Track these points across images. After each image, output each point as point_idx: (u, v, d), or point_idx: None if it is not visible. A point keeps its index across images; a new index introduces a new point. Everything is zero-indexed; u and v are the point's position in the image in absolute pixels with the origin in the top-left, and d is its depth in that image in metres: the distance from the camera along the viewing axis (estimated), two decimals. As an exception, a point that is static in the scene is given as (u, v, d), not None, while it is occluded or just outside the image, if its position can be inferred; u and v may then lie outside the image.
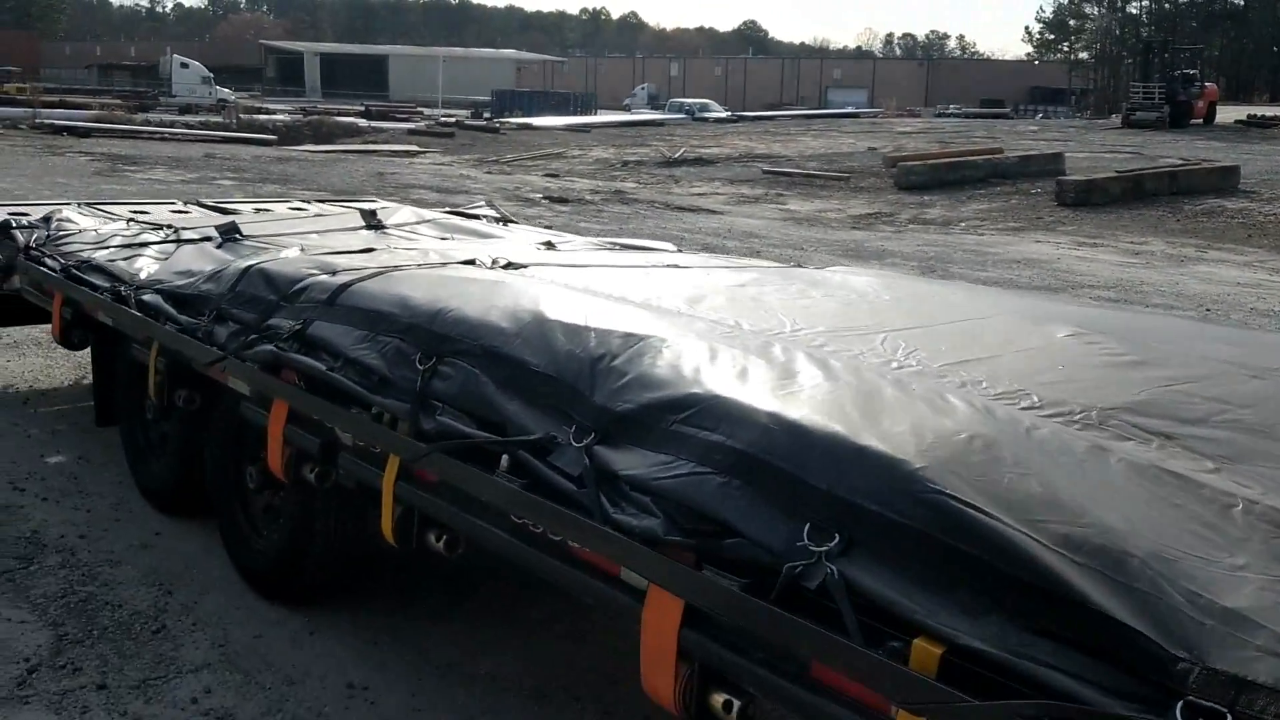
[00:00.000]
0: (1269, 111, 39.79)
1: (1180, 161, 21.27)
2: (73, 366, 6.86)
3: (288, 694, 3.42)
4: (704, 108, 54.25)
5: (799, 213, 17.74)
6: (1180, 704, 1.58)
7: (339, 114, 38.86)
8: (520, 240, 5.34)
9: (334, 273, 3.69)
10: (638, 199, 18.97)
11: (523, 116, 46.24)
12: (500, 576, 4.02)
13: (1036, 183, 20.11)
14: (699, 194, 20.24)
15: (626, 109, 62.14)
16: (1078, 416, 2.41)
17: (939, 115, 53.45)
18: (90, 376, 5.54)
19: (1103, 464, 2.19)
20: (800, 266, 5.00)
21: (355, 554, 3.81)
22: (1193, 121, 35.41)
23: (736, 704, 2.16)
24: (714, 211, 17.67)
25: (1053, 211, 17.52)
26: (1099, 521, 1.93)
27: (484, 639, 3.78)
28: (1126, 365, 2.84)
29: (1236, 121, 35.33)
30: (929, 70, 79.87)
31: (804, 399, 2.39)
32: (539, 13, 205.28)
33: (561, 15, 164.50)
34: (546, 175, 23.12)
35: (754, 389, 2.45)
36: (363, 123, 36.55)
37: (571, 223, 14.35)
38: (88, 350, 5.36)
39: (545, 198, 18.35)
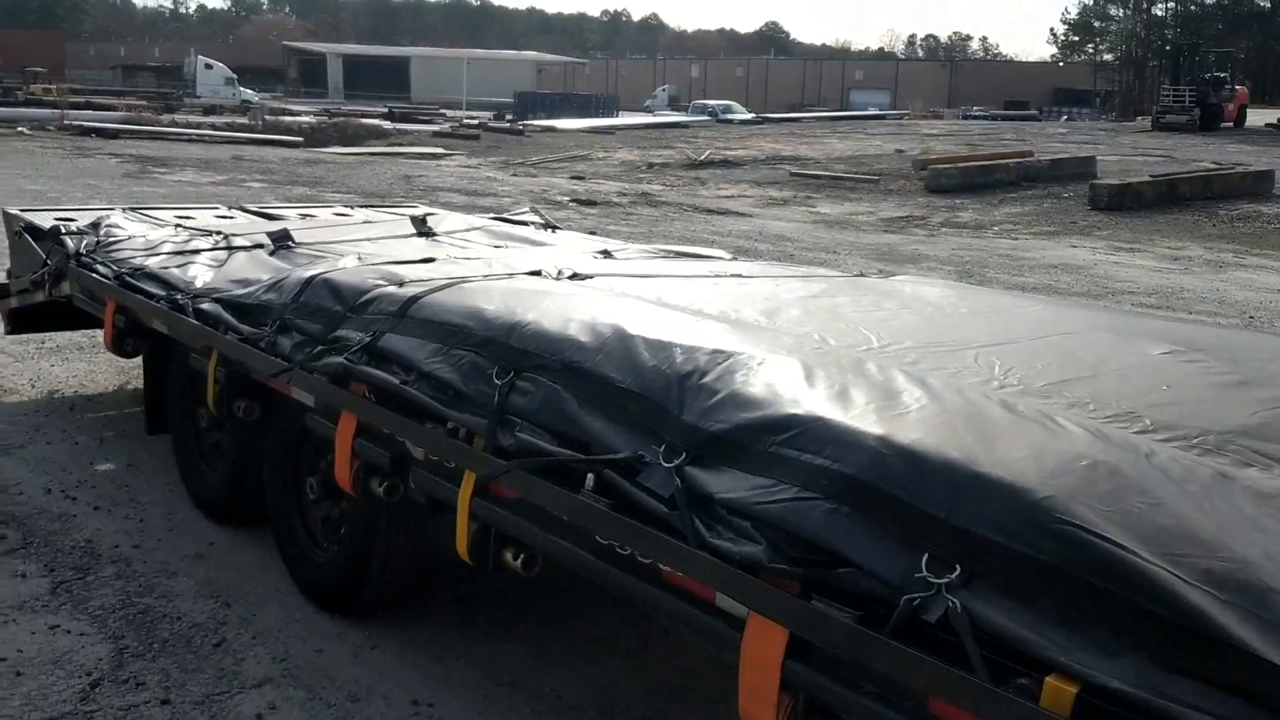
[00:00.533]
0: (1299, 114, 39.42)
1: (1214, 165, 21.06)
2: (116, 372, 6.83)
3: (352, 710, 3.36)
4: (727, 109, 54.15)
5: (829, 216, 17.63)
6: None
7: (363, 116, 38.93)
8: (574, 247, 5.28)
9: (401, 284, 3.64)
10: (665, 201, 18.90)
11: (545, 119, 46.23)
12: (561, 591, 3.95)
13: (1068, 186, 19.95)
14: (726, 196, 20.16)
15: (648, 110, 62.10)
16: (1194, 441, 2.32)
17: (964, 117, 53.23)
18: (136, 383, 5.51)
19: (1230, 492, 2.10)
20: (863, 275, 4.92)
21: (417, 568, 3.76)
22: (1223, 125, 35.17)
23: None
24: (743, 214, 17.58)
25: (1086, 216, 17.36)
26: (1237, 555, 1.85)
27: (547, 654, 3.72)
28: (1232, 385, 2.76)
29: (1267, 125, 35.05)
30: (952, 71, 79.54)
31: (912, 421, 2.31)
32: (559, 14, 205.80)
33: (582, 17, 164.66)
34: (572, 178, 23.08)
35: (857, 410, 2.38)
36: (387, 125, 36.61)
37: (601, 225, 14.29)
38: (135, 357, 5.33)
39: (572, 200, 18.30)
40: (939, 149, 26.87)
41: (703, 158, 26.79)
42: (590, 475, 2.64)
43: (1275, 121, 35.85)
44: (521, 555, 2.92)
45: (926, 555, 1.98)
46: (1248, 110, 37.63)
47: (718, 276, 4.25)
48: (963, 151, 25.74)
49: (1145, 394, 2.61)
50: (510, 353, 3.00)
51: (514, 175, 23.47)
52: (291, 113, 40.12)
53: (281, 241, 4.73)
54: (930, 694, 1.96)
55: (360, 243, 5.00)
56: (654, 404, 2.62)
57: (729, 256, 5.44)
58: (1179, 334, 3.34)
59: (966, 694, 1.86)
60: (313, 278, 3.89)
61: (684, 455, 2.46)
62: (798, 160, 26.04)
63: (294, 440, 3.96)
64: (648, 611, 2.59)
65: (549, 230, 6.16)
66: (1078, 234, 15.82)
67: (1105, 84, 69.77)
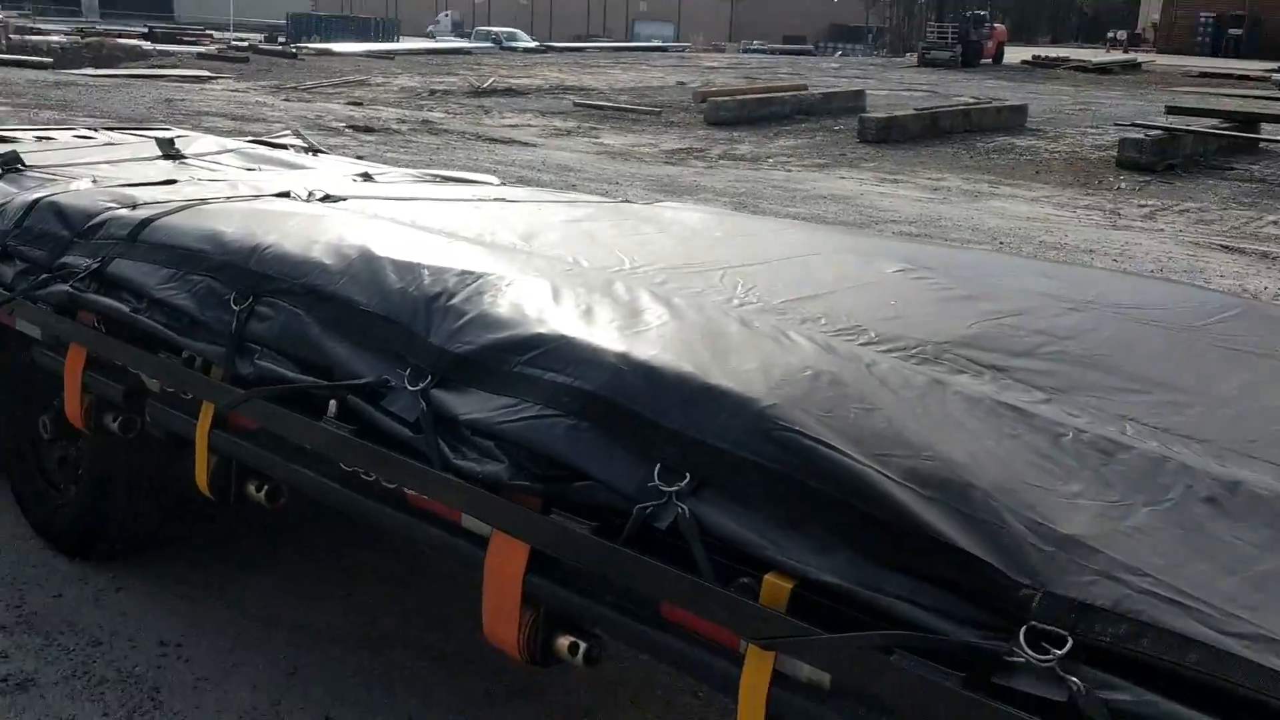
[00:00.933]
0: (1051, 53, 41.94)
1: (973, 100, 22.18)
2: None
3: (94, 655, 3.21)
4: (511, 37, 53.27)
5: (613, 147, 17.67)
6: (1024, 629, 1.62)
7: (121, 36, 36.33)
8: (334, 171, 5.09)
9: (135, 206, 3.42)
10: (448, 129, 18.50)
11: (321, 42, 44.30)
12: (320, 523, 3.87)
13: (839, 119, 20.63)
14: (511, 126, 19.90)
15: (430, 36, 60.35)
16: (914, 351, 2.45)
17: (744, 51, 54.11)
18: None
19: (941, 398, 2.23)
20: (629, 202, 4.95)
21: (162, 507, 3.60)
22: (983, 61, 37.02)
23: (583, 646, 2.14)
24: (527, 144, 17.41)
25: (855, 148, 18.01)
26: (943, 455, 1.96)
27: (306, 589, 3.64)
28: (956, 300, 2.91)
29: (1023, 62, 37.11)
30: (733, 6, 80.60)
31: (652, 338, 2.34)
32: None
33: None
34: (350, 103, 22.25)
35: (601, 329, 2.39)
36: (147, 45, 34.37)
37: (379, 153, 13.87)
38: None
39: (350, 127, 17.69)
40: (720, 82, 27.28)
41: (487, 85, 26.31)
42: (333, 402, 2.57)
43: (1031, 59, 38.03)
44: (265, 487, 2.84)
45: (659, 466, 2.02)
46: (1006, 48, 39.73)
47: (480, 201, 4.18)
48: (741, 85, 26.21)
49: (875, 309, 2.73)
50: (250, 277, 2.87)
51: (286, 100, 22.43)
52: (40, 31, 37.09)
53: (9, 164, 4.37)
54: (662, 598, 2.02)
55: (99, 165, 4.67)
56: (400, 327, 2.57)
57: (497, 182, 5.37)
58: (915, 254, 3.51)
59: (693, 595, 1.92)
60: (37, 201, 3.61)
61: (429, 378, 2.42)
62: (582, 90, 25.93)
63: (24, 376, 3.70)
64: (396, 537, 2.55)
65: (311, 154, 5.92)
66: (847, 166, 16.41)
67: (877, 20, 72.26)
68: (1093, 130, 19.64)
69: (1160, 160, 15.36)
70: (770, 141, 18.75)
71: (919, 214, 12.41)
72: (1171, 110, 18.55)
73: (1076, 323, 2.78)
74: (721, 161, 16.58)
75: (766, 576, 1.86)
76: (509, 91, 25.63)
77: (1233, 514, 1.90)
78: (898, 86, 27.82)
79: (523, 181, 11.86)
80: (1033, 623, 1.63)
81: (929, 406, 2.18)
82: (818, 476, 1.89)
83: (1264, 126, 17.61)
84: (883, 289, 2.99)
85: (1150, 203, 13.68)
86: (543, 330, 2.38)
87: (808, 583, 1.84)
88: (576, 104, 23.27)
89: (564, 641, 2.16)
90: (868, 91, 23.83)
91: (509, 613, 2.17)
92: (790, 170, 15.90)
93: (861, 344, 2.46)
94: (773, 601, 1.84)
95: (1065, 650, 1.58)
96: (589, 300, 2.55)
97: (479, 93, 25.26)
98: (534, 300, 2.54)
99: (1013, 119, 20.42)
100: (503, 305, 2.52)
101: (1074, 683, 1.55)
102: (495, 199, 4.24)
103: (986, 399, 2.25)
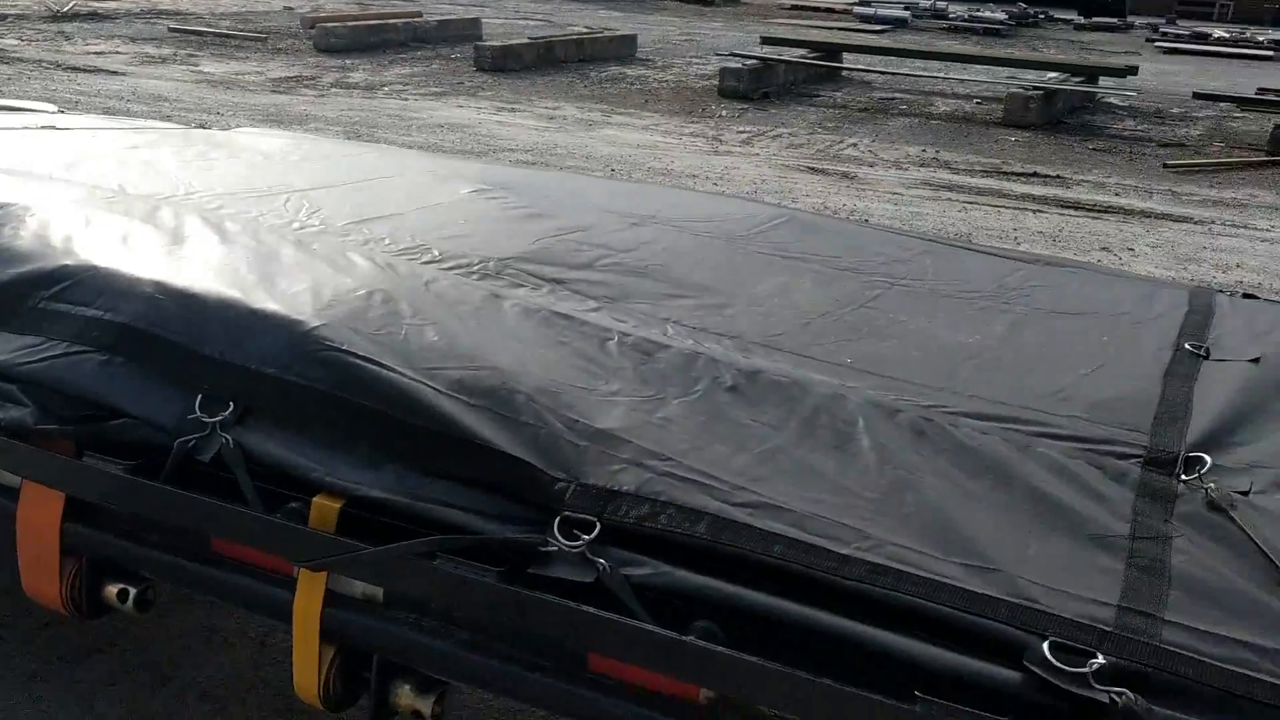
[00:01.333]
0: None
1: (586, 30, 22.61)
2: None
3: None
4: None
5: (214, 75, 16.56)
6: (557, 520, 1.72)
7: None
8: None
9: None
10: (21, 58, 16.63)
11: None
12: None
13: (456, 48, 20.41)
14: (97, 53, 18.15)
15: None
16: (476, 267, 2.50)
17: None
18: None
19: (497, 311, 2.29)
20: (204, 128, 4.67)
21: None
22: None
23: (132, 591, 2.04)
24: (115, 73, 15.97)
25: (472, 77, 17.90)
26: (491, 364, 2.02)
27: None
28: (524, 218, 2.99)
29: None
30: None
31: (195, 265, 2.24)
32: None
33: None
34: (-103, 28, 19.46)
35: (138, 258, 2.25)
36: None
37: (-66, 84, 12.26)
38: None
39: (-103, 55, 15.48)
40: (329, 7, 26.17)
41: (67, 9, 23.81)
42: None
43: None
44: None
45: (201, 396, 1.95)
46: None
47: (25, 129, 3.80)
48: (353, 10, 25.30)
49: (443, 229, 2.75)
50: None
51: None
52: None
53: None
54: (211, 533, 1.96)
55: None
56: None
57: (53, 109, 4.90)
58: (491, 175, 3.56)
59: (241, 527, 1.88)
60: None
61: None
62: (178, 15, 24.04)
63: None
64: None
65: None
66: (464, 94, 16.31)
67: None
68: (697, 60, 20.62)
69: (757, 89, 16.39)
70: (385, 70, 18.25)
71: (535, 142, 12.56)
72: (766, 41, 19.76)
73: (635, 236, 2.93)
74: (334, 90, 15.99)
75: (315, 499, 1.85)
76: (94, 16, 23.33)
77: (751, 399, 2.08)
78: (514, 15, 27.87)
79: (110, 113, 10.90)
80: (566, 513, 1.73)
81: (483, 320, 2.23)
82: (364, 394, 1.90)
83: (845, 56, 19.16)
84: (454, 209, 3.01)
85: (748, 129, 14.58)
86: (69, 262, 2.21)
87: (356, 500, 1.84)
88: (172, 29, 21.56)
89: (112, 590, 2.05)
90: (484, 20, 23.70)
91: (48, 566, 2.03)
92: (406, 99, 15.60)
93: (424, 263, 2.47)
94: (321, 523, 1.83)
95: (593, 535, 1.69)
96: (128, 229, 2.39)
97: (58, 17, 22.83)
98: (62, 231, 2.35)
99: (624, 49, 21.03)
100: (25, 238, 2.31)
101: (601, 564, 1.66)
102: (43, 126, 3.87)
103: (542, 310, 2.33)
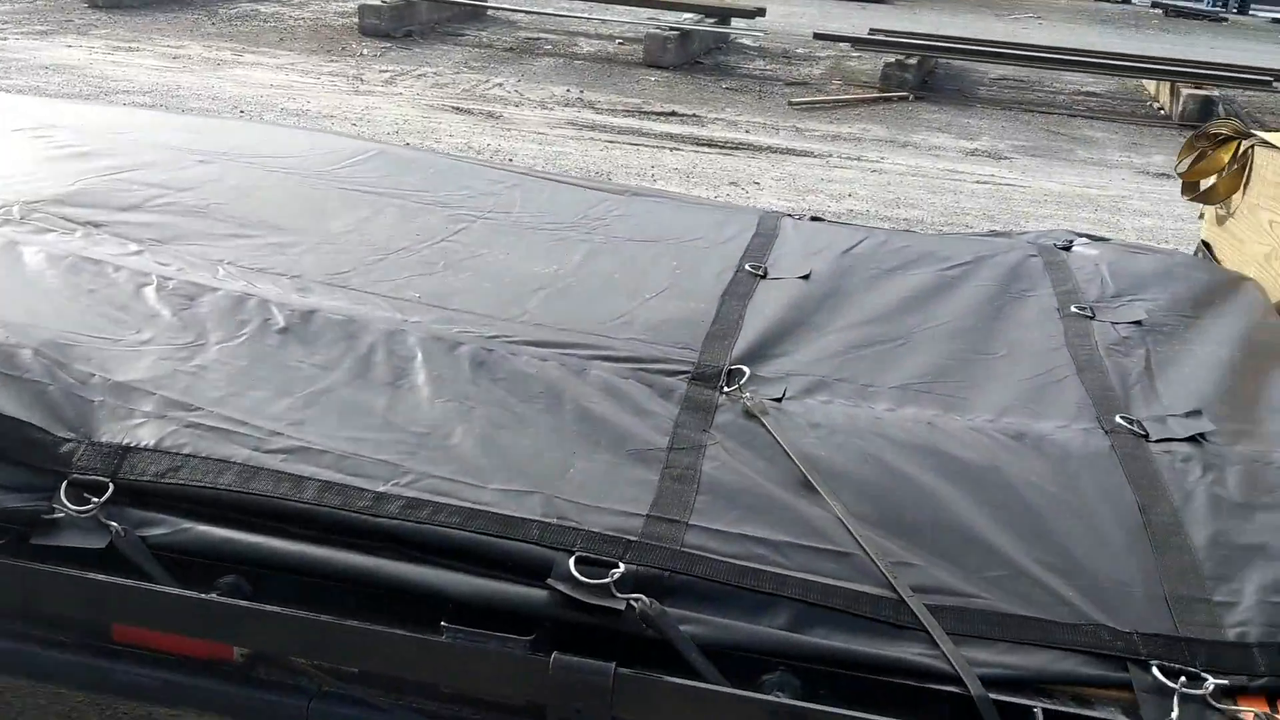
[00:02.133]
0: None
1: (216, -35, 21.16)
2: None
3: None
4: None
5: None
6: (65, 484, 1.56)
7: None
8: None
9: None
10: None
11: None
12: None
13: (63, -18, 18.57)
14: None
15: None
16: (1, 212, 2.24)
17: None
18: None
19: (15, 260, 2.06)
20: None
21: None
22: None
23: None
24: None
25: (85, 14, 16.37)
26: (-4, 319, 1.81)
27: None
28: (70, 157, 2.71)
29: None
30: None
31: None
32: None
33: None
34: None
35: None
36: None
37: None
38: None
39: None
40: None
41: None
42: None
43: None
44: None
45: None
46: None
47: None
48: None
49: None
50: None
51: None
52: None
53: None
54: None
55: None
56: None
57: None
58: (51, 113, 3.22)
59: None
60: None
61: None
62: None
63: None
64: None
65: None
66: (75, 33, 14.89)
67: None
68: (336, -3, 19.81)
69: (399, 27, 15.95)
70: (-21, 6, 16.35)
71: (156, 83, 11.66)
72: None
73: (201, 174, 2.74)
74: (-87, 28, 14.15)
75: None
76: None
77: (304, 340, 1.98)
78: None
79: None
80: (74, 475, 1.58)
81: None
82: None
83: (489, -6, 18.99)
84: (-15, 151, 2.69)
85: (391, 69, 14.18)
86: None
87: None
88: None
89: None
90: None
91: None
92: (6, 39, 14.03)
93: None
94: None
95: (105, 497, 1.55)
96: None
97: None
98: None
99: (259, -15, 19.87)
100: None
101: (115, 527, 1.53)
102: None
103: (70, 256, 2.12)
